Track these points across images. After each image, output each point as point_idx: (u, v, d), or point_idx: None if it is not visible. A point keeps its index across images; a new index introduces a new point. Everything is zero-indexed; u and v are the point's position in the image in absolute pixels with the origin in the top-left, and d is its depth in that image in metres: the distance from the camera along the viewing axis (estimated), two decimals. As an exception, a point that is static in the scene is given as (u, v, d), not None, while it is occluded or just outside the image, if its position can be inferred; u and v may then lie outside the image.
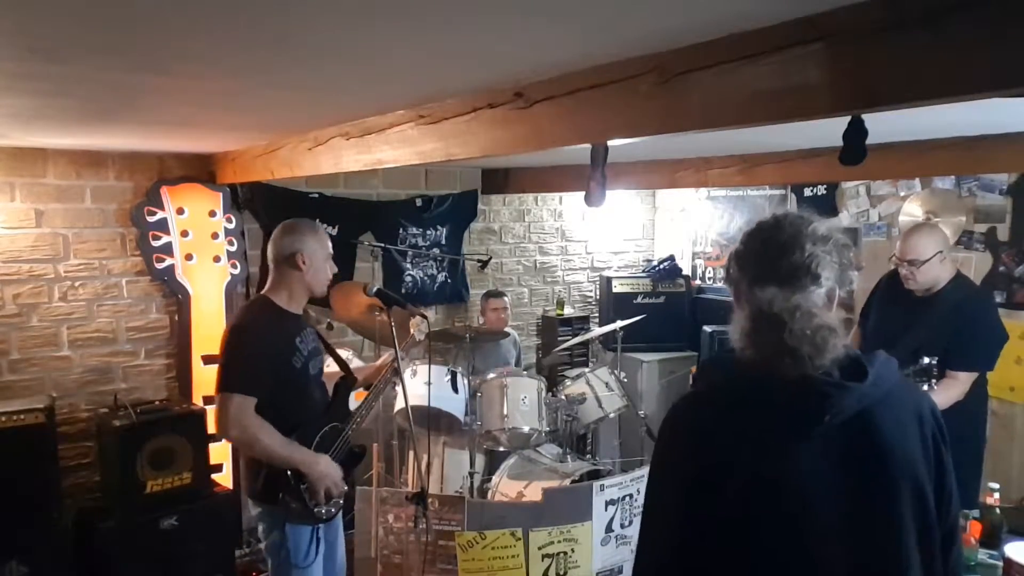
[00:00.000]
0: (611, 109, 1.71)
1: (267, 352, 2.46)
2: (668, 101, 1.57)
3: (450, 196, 5.16)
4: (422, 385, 3.58)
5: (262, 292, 2.65)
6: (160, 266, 3.88)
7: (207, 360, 4.03)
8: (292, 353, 2.52)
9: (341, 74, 1.86)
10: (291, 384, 2.52)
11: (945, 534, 1.32)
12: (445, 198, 5.14)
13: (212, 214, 4.00)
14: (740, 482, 1.27)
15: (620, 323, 4.56)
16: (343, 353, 3.26)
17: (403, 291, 4.91)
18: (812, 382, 1.23)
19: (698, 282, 6.05)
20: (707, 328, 5.23)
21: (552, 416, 4.04)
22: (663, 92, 1.57)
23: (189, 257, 3.93)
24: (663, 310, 5.64)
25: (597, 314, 6.00)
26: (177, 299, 4.00)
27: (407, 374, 3.23)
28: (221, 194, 4.03)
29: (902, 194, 4.62)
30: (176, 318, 4.05)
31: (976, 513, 2.49)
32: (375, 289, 2.81)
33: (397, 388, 3.01)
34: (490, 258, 5.19)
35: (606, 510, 3.45)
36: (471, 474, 3.84)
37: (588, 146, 2.63)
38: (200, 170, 4.06)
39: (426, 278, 5.10)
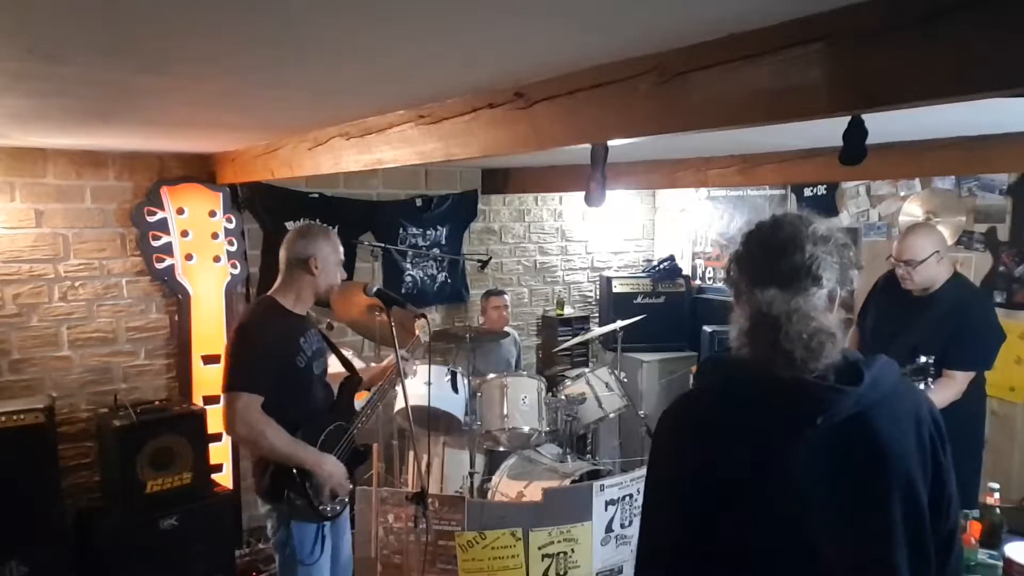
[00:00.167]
0: (611, 109, 1.71)
1: (272, 351, 2.49)
2: (668, 101, 1.57)
3: (450, 196, 5.16)
4: (422, 385, 3.58)
5: (268, 293, 2.67)
6: (160, 266, 3.88)
7: (207, 360, 4.04)
8: (296, 353, 2.55)
9: (341, 74, 1.86)
10: (295, 383, 2.55)
11: (944, 537, 1.32)
12: (445, 198, 5.14)
13: (212, 214, 4.00)
14: (735, 480, 1.28)
15: (620, 323, 4.56)
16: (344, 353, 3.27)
17: (403, 291, 4.91)
18: (806, 385, 1.23)
19: (698, 282, 6.05)
20: (707, 328, 5.23)
21: (552, 416, 4.04)
22: (663, 92, 1.57)
23: (189, 257, 3.93)
24: (663, 310, 5.64)
25: (597, 314, 6.00)
26: (177, 299, 4.00)
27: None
28: (221, 194, 4.02)
29: (902, 194, 4.62)
30: (176, 318, 4.05)
31: (976, 513, 2.50)
32: (375, 289, 2.81)
33: (397, 388, 3.01)
34: (490, 258, 5.19)
35: (606, 510, 3.45)
36: (471, 474, 3.84)
37: (588, 146, 2.63)
38: (200, 170, 4.06)
39: (426, 278, 5.10)
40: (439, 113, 2.25)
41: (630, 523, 3.50)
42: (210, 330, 4.04)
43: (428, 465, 3.75)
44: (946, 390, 2.87)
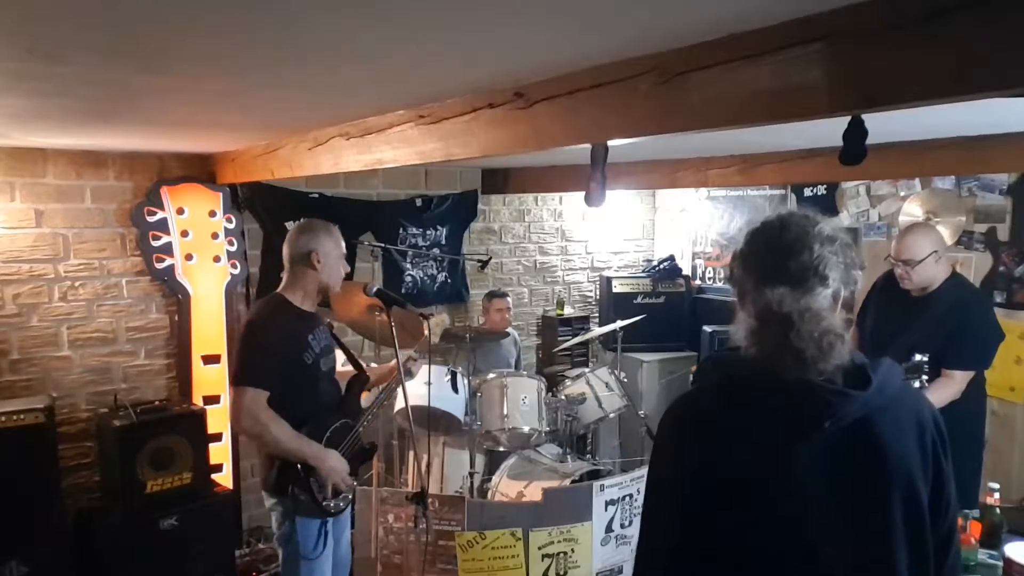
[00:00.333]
0: (611, 109, 1.71)
1: (279, 348, 2.52)
2: (668, 101, 1.57)
3: (450, 196, 5.16)
4: (422, 385, 3.58)
5: (277, 290, 2.70)
6: (160, 266, 3.88)
7: (207, 360, 4.04)
8: (304, 349, 2.58)
9: (341, 74, 1.86)
10: (302, 379, 2.58)
11: (942, 539, 1.32)
12: (445, 198, 5.14)
13: (212, 214, 4.00)
14: (736, 481, 1.28)
15: (620, 323, 4.56)
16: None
17: (403, 291, 4.91)
18: (814, 388, 1.22)
19: (698, 282, 6.05)
20: (707, 328, 5.23)
21: (552, 416, 4.04)
22: (663, 92, 1.57)
23: (189, 257, 3.93)
24: (663, 310, 5.64)
25: (597, 314, 6.00)
26: (177, 299, 4.00)
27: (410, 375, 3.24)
28: (221, 194, 4.02)
29: (902, 194, 4.62)
30: (176, 318, 4.05)
31: (976, 513, 2.49)
32: (375, 289, 2.82)
33: (397, 388, 3.02)
34: (490, 258, 5.19)
35: (606, 510, 3.45)
36: (471, 474, 3.84)
37: (588, 146, 2.63)
38: (200, 170, 4.06)
39: (426, 278, 5.10)
40: (439, 113, 2.25)
41: (630, 523, 3.51)
42: (210, 330, 4.04)
43: (428, 465, 3.75)
44: (945, 389, 2.87)
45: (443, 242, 5.16)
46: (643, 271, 6.01)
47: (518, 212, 5.62)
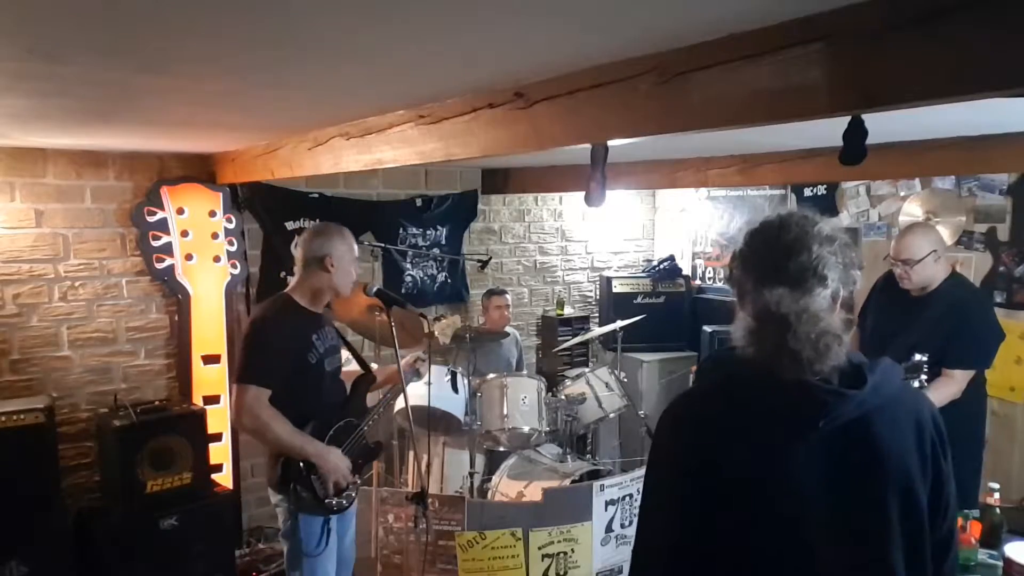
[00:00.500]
0: (611, 109, 1.71)
1: (283, 347, 2.55)
2: (668, 101, 1.57)
3: (450, 196, 5.16)
4: (422, 385, 3.58)
5: (285, 290, 2.73)
6: (160, 266, 3.88)
7: (207, 360, 4.03)
8: (308, 349, 2.61)
9: (341, 74, 1.86)
10: (305, 378, 2.61)
11: (941, 539, 1.32)
12: (445, 198, 5.14)
13: (212, 214, 4.00)
14: (735, 480, 1.28)
15: (620, 323, 4.56)
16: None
17: (403, 291, 4.91)
18: (810, 388, 1.23)
19: (698, 282, 6.05)
20: (707, 328, 5.24)
21: (552, 416, 4.04)
22: (663, 92, 1.57)
23: (189, 257, 3.93)
24: (663, 310, 5.64)
25: (597, 314, 6.00)
26: (177, 299, 4.00)
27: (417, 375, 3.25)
28: (221, 194, 4.02)
29: (902, 194, 4.62)
30: (176, 318, 4.05)
31: (976, 513, 2.49)
32: (375, 289, 2.83)
33: (388, 387, 3.03)
34: (490, 258, 5.19)
35: (606, 510, 3.45)
36: (471, 474, 3.84)
37: (588, 146, 2.63)
38: (200, 170, 4.06)
39: (426, 278, 5.10)
40: (439, 113, 2.25)
41: (630, 523, 3.50)
42: (210, 330, 4.04)
43: (428, 465, 3.75)
44: (945, 389, 2.88)
45: (443, 242, 5.16)
46: (643, 271, 6.01)
47: (518, 212, 5.62)
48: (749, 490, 1.27)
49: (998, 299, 4.09)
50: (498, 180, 5.24)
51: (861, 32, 1.20)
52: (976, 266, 4.22)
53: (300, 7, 1.27)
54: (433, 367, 3.64)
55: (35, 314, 3.71)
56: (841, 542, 1.25)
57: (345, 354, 2.96)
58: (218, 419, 3.95)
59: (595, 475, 3.75)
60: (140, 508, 3.43)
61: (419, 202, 5.03)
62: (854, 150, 1.64)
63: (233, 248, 4.09)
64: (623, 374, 4.44)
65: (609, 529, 3.46)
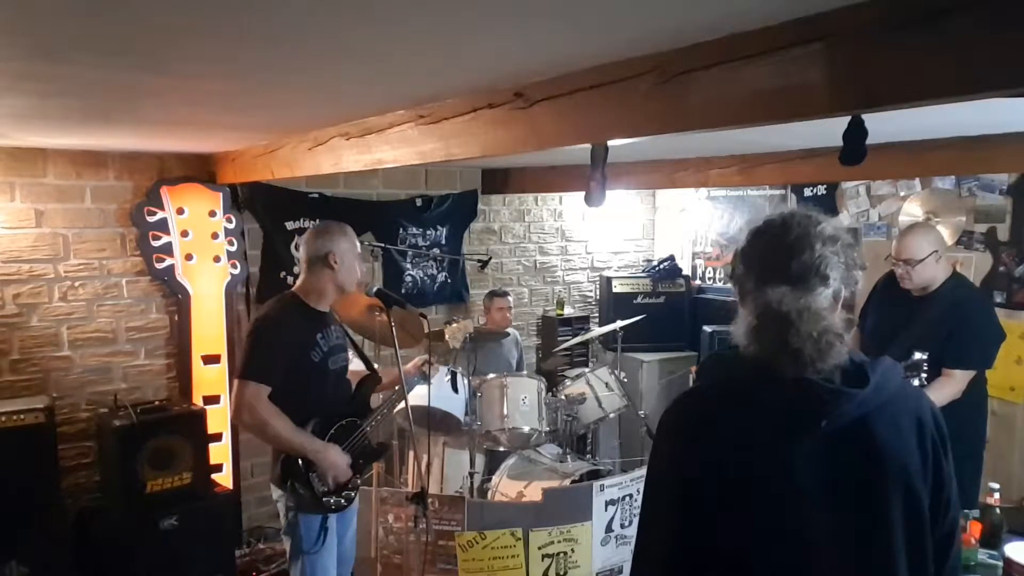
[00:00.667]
0: (611, 109, 1.71)
1: (285, 345, 2.58)
2: (668, 101, 1.57)
3: (450, 196, 5.16)
4: (422, 385, 3.58)
5: (291, 289, 2.77)
6: (160, 266, 3.88)
7: (207, 360, 4.03)
8: (311, 348, 2.63)
9: (341, 74, 1.86)
10: (307, 376, 2.62)
11: (942, 539, 1.32)
12: (445, 198, 5.14)
13: (212, 214, 4.00)
14: (735, 480, 1.28)
15: (620, 323, 4.56)
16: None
17: (403, 291, 4.91)
18: (811, 387, 1.22)
19: (698, 282, 6.05)
20: (707, 328, 5.24)
21: (552, 416, 4.04)
22: (663, 92, 1.57)
23: (189, 257, 3.93)
24: (663, 310, 5.64)
25: (597, 314, 6.00)
26: (177, 299, 4.00)
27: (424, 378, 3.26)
28: (221, 194, 4.02)
29: (902, 194, 4.62)
30: (176, 318, 4.05)
31: (976, 513, 2.49)
32: (375, 289, 2.84)
33: (395, 387, 3.03)
34: (490, 258, 5.19)
35: (606, 510, 3.45)
36: (471, 474, 3.84)
37: (588, 146, 2.63)
38: (200, 170, 4.06)
39: (426, 278, 5.10)
40: (439, 113, 2.25)
41: (630, 523, 3.50)
42: (210, 330, 4.04)
43: (428, 465, 3.75)
44: (945, 388, 2.88)
45: (443, 242, 5.16)
46: (643, 271, 6.01)
47: (518, 212, 5.62)
48: (750, 490, 1.27)
49: (998, 299, 4.09)
50: (498, 180, 5.24)
51: (861, 32, 1.20)
52: (976, 266, 4.22)
53: (300, 7, 1.27)
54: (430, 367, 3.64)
55: (35, 314, 3.71)
56: (843, 542, 1.25)
57: (351, 354, 2.96)
58: (218, 419, 3.95)
59: (595, 475, 3.75)
60: (140, 508, 3.42)
61: (419, 202, 5.03)
62: (854, 150, 1.64)
63: (233, 248, 4.09)
64: (623, 374, 4.44)
65: (609, 529, 3.46)
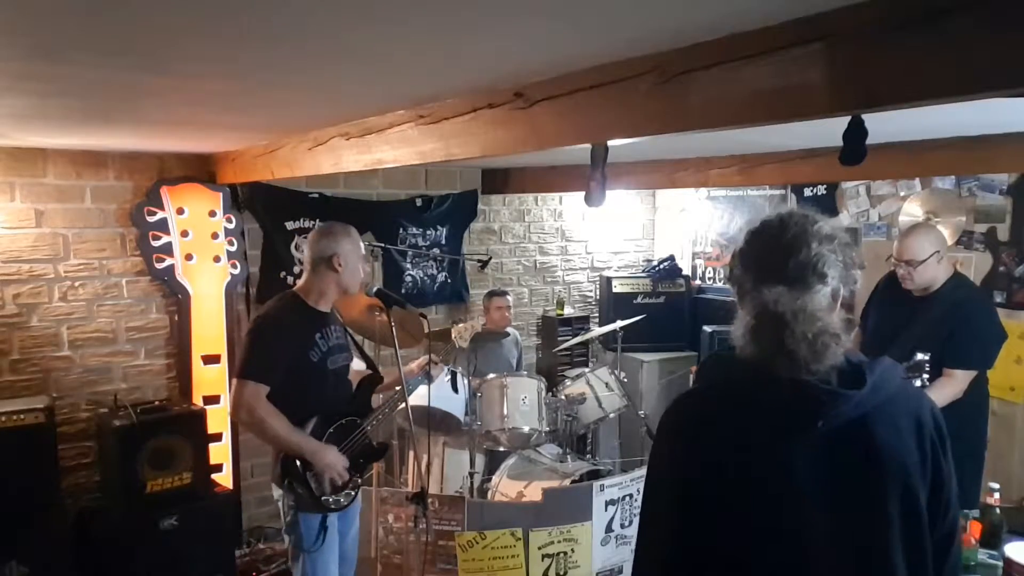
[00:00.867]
0: (611, 109, 1.71)
1: (284, 344, 2.58)
2: (668, 101, 1.57)
3: (450, 196, 5.16)
4: (422, 385, 3.58)
5: (293, 289, 2.77)
6: (160, 266, 3.88)
7: (207, 360, 4.03)
8: (310, 347, 2.63)
9: (341, 74, 1.86)
10: (306, 376, 2.62)
11: (941, 539, 1.32)
12: (445, 198, 5.14)
13: (212, 214, 4.00)
14: (734, 481, 1.28)
15: (620, 323, 4.56)
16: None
17: (403, 291, 4.91)
18: (808, 387, 1.23)
19: (698, 282, 6.05)
20: (707, 328, 5.24)
21: (552, 416, 4.04)
22: (663, 92, 1.57)
23: (189, 257, 3.93)
24: (663, 310, 5.64)
25: (597, 314, 6.00)
26: (177, 299, 4.00)
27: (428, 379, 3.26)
28: (221, 194, 4.02)
29: (902, 194, 4.62)
30: (176, 318, 4.05)
31: (976, 513, 2.49)
32: (375, 289, 2.84)
33: (397, 387, 3.03)
34: (490, 258, 5.19)
35: (606, 510, 3.45)
36: (471, 474, 3.85)
37: (588, 146, 2.63)
38: (200, 170, 4.06)
39: (426, 278, 5.10)
40: (439, 113, 2.25)
41: (630, 523, 3.51)
42: (210, 330, 4.04)
43: (428, 465, 3.75)
44: (946, 389, 2.88)
45: (443, 242, 5.16)
46: (643, 271, 6.01)
47: (518, 212, 5.63)
48: (748, 490, 1.27)
49: (998, 299, 4.09)
50: (498, 180, 5.24)
51: (861, 32, 1.20)
52: (976, 266, 4.22)
53: (300, 7, 1.27)
54: (433, 367, 3.64)
55: (35, 314, 3.71)
56: (841, 541, 1.25)
57: (354, 353, 2.97)
58: (218, 419, 3.95)
59: (595, 475, 3.75)
60: (140, 508, 3.42)
61: (419, 202, 5.03)
62: (854, 150, 1.64)
63: (233, 248, 4.09)
64: (623, 374, 4.44)
65: (609, 529, 3.46)
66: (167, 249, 3.89)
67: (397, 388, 3.00)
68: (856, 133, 1.65)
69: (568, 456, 4.05)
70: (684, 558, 1.31)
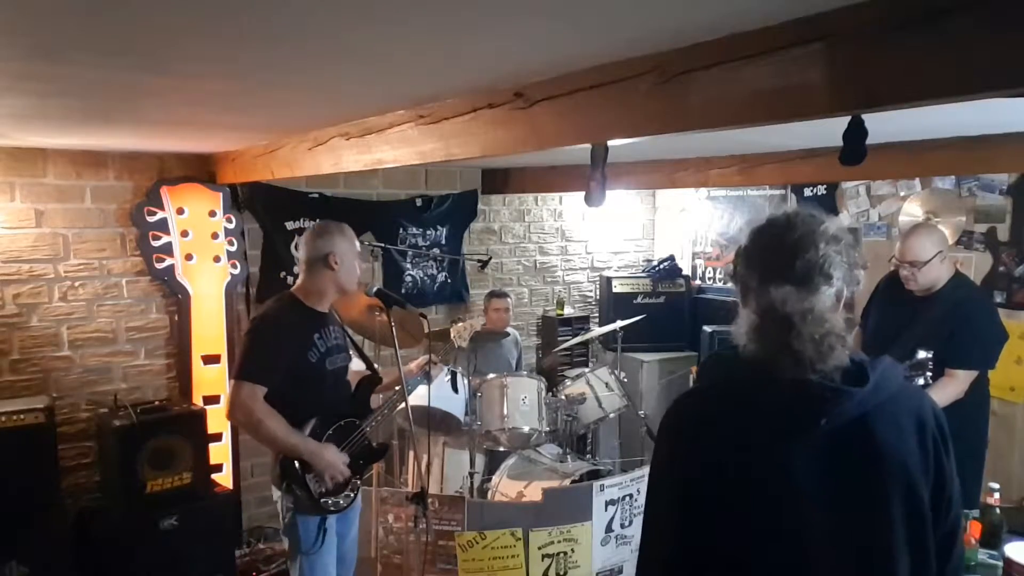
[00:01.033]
0: (611, 109, 1.71)
1: (282, 345, 2.57)
2: (668, 101, 1.57)
3: (450, 196, 5.16)
4: (422, 385, 3.58)
5: (290, 289, 2.76)
6: (160, 266, 3.88)
7: (207, 360, 4.03)
8: (308, 348, 2.62)
9: (341, 74, 1.86)
10: (304, 377, 2.62)
11: (944, 538, 1.32)
12: (445, 198, 5.14)
13: (212, 214, 4.00)
14: (735, 480, 1.28)
15: (620, 323, 4.56)
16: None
17: (403, 291, 4.91)
18: (810, 386, 1.22)
19: (698, 282, 6.05)
20: (707, 328, 5.24)
21: (552, 416, 4.04)
22: (663, 92, 1.57)
23: (189, 257, 3.93)
24: (663, 310, 5.64)
25: (597, 314, 6.00)
26: (177, 299, 4.00)
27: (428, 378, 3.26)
28: (221, 194, 4.02)
29: (902, 194, 4.62)
30: (176, 318, 4.05)
31: (976, 513, 2.49)
32: (375, 289, 2.84)
33: (396, 388, 3.04)
34: (490, 258, 5.19)
35: (606, 510, 3.45)
36: (471, 474, 3.85)
37: (588, 146, 2.63)
38: (200, 170, 4.06)
39: (426, 278, 5.10)
40: (439, 113, 2.25)
41: (630, 523, 3.51)
42: (210, 330, 4.04)
43: (428, 465, 3.75)
44: (948, 388, 2.87)
45: (443, 242, 5.16)
46: (643, 271, 6.01)
47: (518, 212, 5.63)
48: (750, 490, 1.27)
49: (998, 299, 4.09)
50: (498, 180, 5.25)
51: (861, 32, 1.20)
52: (976, 266, 4.22)
53: (300, 7, 1.27)
54: (433, 367, 3.64)
55: (35, 314, 3.71)
56: (842, 541, 1.25)
57: (353, 354, 2.96)
58: (218, 419, 3.95)
59: (595, 475, 3.75)
60: (140, 508, 3.42)
61: (419, 202, 5.03)
62: (854, 150, 1.64)
63: (233, 248, 4.09)
64: (623, 374, 4.44)
65: (609, 529, 3.46)
66: (167, 249, 3.89)
67: (396, 388, 3.00)
68: (856, 133, 1.65)
69: (568, 456, 4.05)
70: (685, 558, 1.31)
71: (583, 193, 2.81)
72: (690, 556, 1.30)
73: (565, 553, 3.36)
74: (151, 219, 3.85)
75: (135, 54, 1.63)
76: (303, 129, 2.98)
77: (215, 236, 4.02)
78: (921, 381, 2.79)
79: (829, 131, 1.88)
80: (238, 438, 4.15)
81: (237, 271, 4.11)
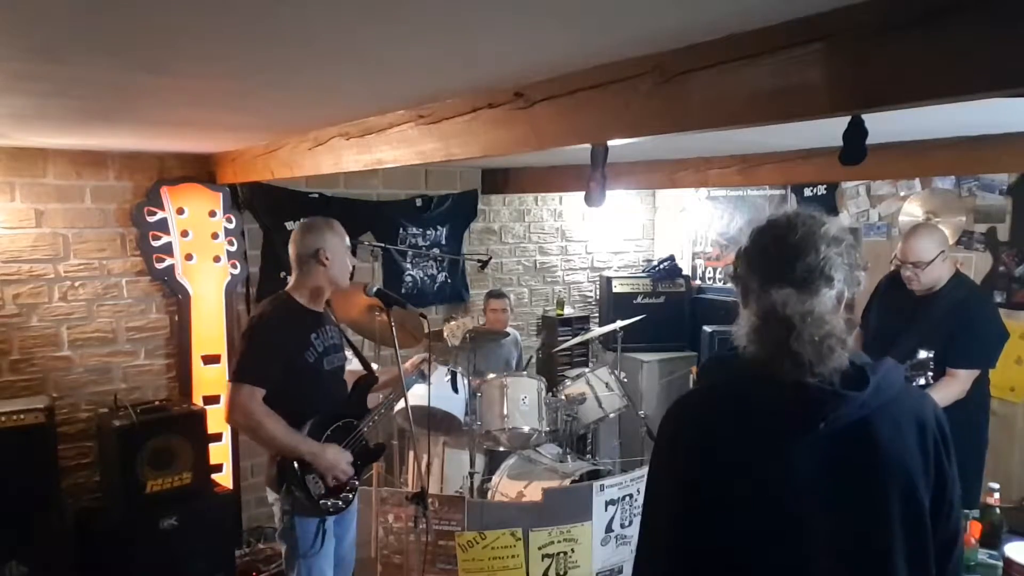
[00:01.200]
0: (611, 109, 1.71)
1: (279, 346, 2.56)
2: (668, 101, 1.57)
3: (450, 196, 5.16)
4: (422, 385, 3.58)
5: (285, 289, 2.74)
6: (160, 266, 3.88)
7: (207, 360, 4.04)
8: (305, 348, 2.61)
9: (341, 74, 1.86)
10: (302, 377, 2.60)
11: (945, 540, 1.31)
12: (445, 198, 5.14)
13: (212, 214, 4.00)
14: (735, 482, 1.28)
15: (620, 323, 4.56)
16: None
17: (403, 291, 4.91)
18: (809, 389, 1.22)
19: (698, 282, 6.05)
20: (707, 328, 5.24)
21: (552, 416, 4.04)
22: (663, 92, 1.57)
23: (189, 257, 3.93)
24: (663, 310, 5.64)
25: (597, 314, 6.00)
26: (177, 299, 4.00)
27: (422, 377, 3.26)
28: (221, 194, 4.02)
29: (902, 194, 4.62)
30: (176, 318, 4.05)
31: (976, 513, 2.49)
32: (375, 289, 2.83)
33: (394, 387, 3.04)
34: (490, 258, 5.19)
35: (606, 510, 3.45)
36: (471, 474, 3.84)
37: (588, 146, 2.63)
38: (200, 170, 4.06)
39: (426, 278, 5.10)
40: (439, 113, 2.25)
41: (630, 523, 3.50)
42: (210, 330, 4.04)
43: (428, 465, 3.75)
44: (948, 388, 2.87)
45: (443, 242, 5.16)
46: (643, 271, 6.01)
47: (518, 212, 5.63)
48: (749, 491, 1.27)
49: (998, 299, 4.09)
50: (498, 180, 5.25)
51: (861, 32, 1.20)
52: (976, 266, 4.22)
53: (300, 7, 1.27)
54: (427, 366, 3.64)
55: (35, 314, 3.71)
56: (842, 542, 1.25)
57: (349, 354, 2.95)
58: (218, 419, 3.94)
59: (595, 475, 3.75)
60: (140, 508, 3.43)
61: (419, 202, 5.03)
62: (854, 150, 1.64)
63: (233, 248, 4.09)
64: (623, 374, 4.44)
65: (609, 529, 3.46)
66: (167, 249, 3.89)
67: (391, 389, 3.00)
68: (856, 133, 1.65)
69: (568, 456, 4.05)
70: (685, 558, 1.30)
71: (583, 193, 2.81)
72: (689, 557, 1.30)
73: (565, 553, 3.36)
74: (151, 219, 3.85)
75: (135, 54, 1.63)
76: (303, 129, 2.98)
77: (215, 236, 4.02)
78: (922, 381, 2.79)
79: (829, 131, 1.88)
80: (238, 438, 4.15)
81: (237, 271, 4.11)
